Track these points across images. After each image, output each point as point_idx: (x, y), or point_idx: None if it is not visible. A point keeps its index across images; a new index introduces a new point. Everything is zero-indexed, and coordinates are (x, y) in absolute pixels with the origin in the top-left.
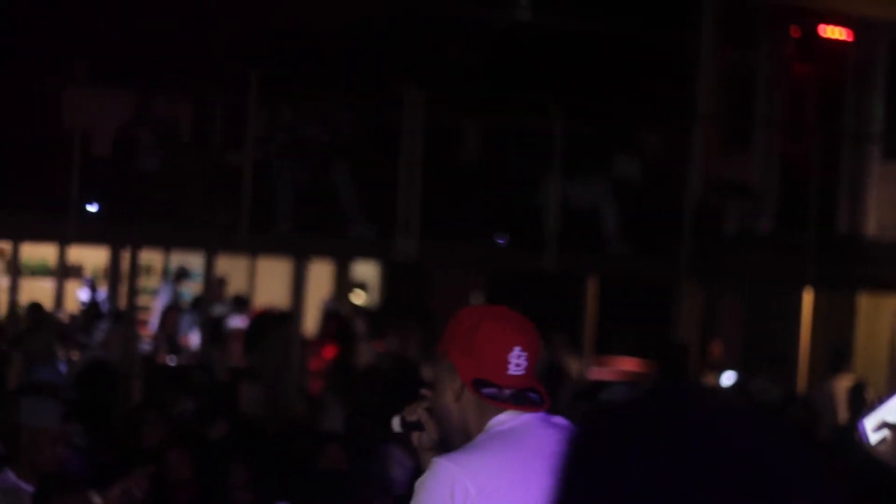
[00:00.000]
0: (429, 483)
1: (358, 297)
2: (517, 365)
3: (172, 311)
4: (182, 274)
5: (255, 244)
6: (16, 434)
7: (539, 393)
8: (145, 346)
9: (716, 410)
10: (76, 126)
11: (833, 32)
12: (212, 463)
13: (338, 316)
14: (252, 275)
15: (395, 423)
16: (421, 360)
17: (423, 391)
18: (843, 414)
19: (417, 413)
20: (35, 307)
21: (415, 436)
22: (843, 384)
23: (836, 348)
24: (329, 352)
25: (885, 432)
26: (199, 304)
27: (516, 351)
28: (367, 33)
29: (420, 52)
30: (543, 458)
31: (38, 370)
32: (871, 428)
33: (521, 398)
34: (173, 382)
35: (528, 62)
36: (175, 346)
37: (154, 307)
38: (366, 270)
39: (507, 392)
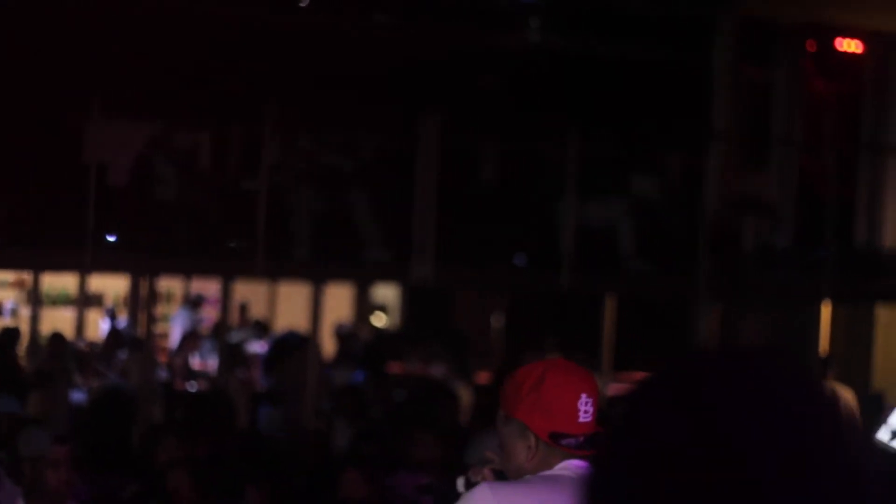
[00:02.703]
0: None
1: (379, 320)
2: (585, 412)
3: (191, 338)
4: (198, 301)
5: (272, 269)
6: (18, 466)
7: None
8: (165, 372)
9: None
10: (95, 158)
11: (849, 46)
12: (224, 483)
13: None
14: (272, 300)
15: (461, 484)
16: (449, 381)
17: (489, 453)
18: None
19: (483, 474)
20: (56, 338)
21: None
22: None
23: (819, 356)
24: None
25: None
26: (218, 330)
27: (583, 398)
28: (383, 58)
29: (436, 76)
30: None
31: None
32: (888, 439)
33: (594, 443)
34: (191, 408)
35: (544, 85)
36: (190, 372)
37: (171, 333)
38: (386, 293)
39: (582, 439)
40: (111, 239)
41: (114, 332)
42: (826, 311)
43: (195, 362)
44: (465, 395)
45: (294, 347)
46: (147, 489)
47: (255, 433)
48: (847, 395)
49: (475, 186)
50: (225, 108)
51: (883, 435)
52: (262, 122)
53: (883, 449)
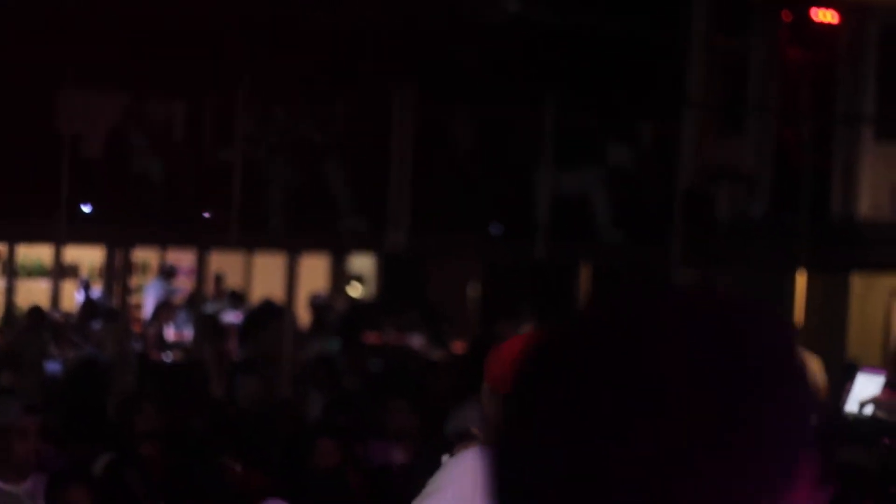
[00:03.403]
0: (454, 466)
1: (354, 290)
2: None
3: (165, 309)
4: (171, 272)
5: (248, 240)
6: None
7: None
8: (139, 343)
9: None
10: (68, 129)
11: (825, 16)
12: (199, 453)
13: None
14: (248, 271)
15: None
16: (426, 351)
17: (475, 430)
18: None
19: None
20: (35, 311)
21: None
22: None
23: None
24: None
25: (870, 406)
26: (193, 300)
27: None
28: (358, 29)
29: (411, 45)
30: None
31: None
32: (857, 409)
33: None
34: (167, 378)
35: (519, 54)
36: (164, 343)
37: (145, 304)
38: (362, 263)
39: None
40: (86, 210)
41: (88, 302)
42: (801, 280)
43: (170, 333)
44: (441, 364)
45: (269, 318)
46: (120, 459)
47: (230, 403)
48: (815, 364)
49: (450, 156)
50: (199, 80)
51: (851, 405)
52: (236, 93)
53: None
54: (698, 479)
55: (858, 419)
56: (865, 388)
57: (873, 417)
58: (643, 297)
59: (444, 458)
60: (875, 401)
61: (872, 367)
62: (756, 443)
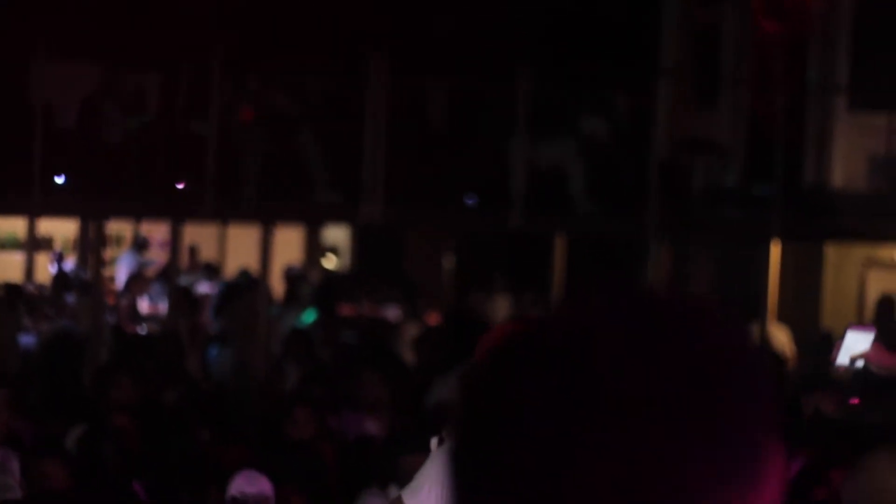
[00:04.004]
0: (441, 461)
1: (329, 262)
2: None
3: (137, 281)
4: (143, 244)
5: (222, 211)
6: None
7: None
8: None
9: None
10: (41, 100)
11: None
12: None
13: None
14: (222, 243)
15: (434, 444)
16: (401, 323)
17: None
18: None
19: None
20: (11, 288)
21: None
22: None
23: (745, 297)
24: None
25: (860, 361)
26: (167, 272)
27: None
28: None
29: (385, 16)
30: None
31: None
32: (848, 361)
33: None
34: (142, 350)
35: (493, 24)
36: (137, 315)
37: (117, 277)
38: (337, 235)
39: None
40: (59, 181)
41: (60, 275)
42: (775, 250)
43: (144, 305)
44: (416, 336)
45: (244, 290)
46: (93, 432)
47: (205, 375)
48: (783, 335)
49: (424, 127)
50: (172, 51)
51: (843, 359)
52: (210, 64)
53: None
54: (663, 472)
55: (851, 370)
56: (856, 344)
57: (865, 369)
58: (600, 303)
59: (433, 441)
60: (864, 356)
61: (862, 325)
62: (716, 436)
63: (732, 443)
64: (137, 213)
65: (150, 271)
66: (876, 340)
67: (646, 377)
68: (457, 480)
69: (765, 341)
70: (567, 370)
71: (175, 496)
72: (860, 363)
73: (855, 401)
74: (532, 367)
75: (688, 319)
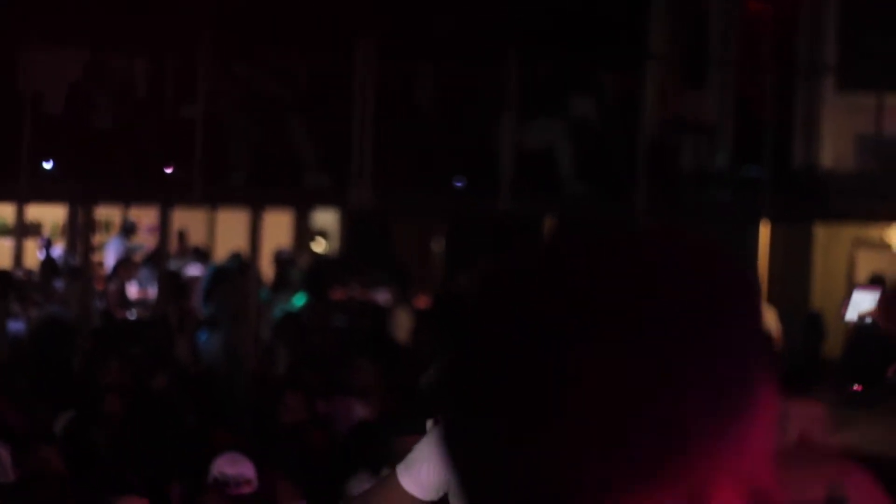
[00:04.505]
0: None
1: (318, 246)
2: None
3: (125, 266)
4: (130, 228)
5: (211, 196)
6: None
7: None
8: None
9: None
10: (30, 86)
11: None
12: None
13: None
14: (211, 227)
15: (430, 426)
16: (392, 307)
17: None
18: None
19: None
20: (2, 275)
21: None
22: None
23: None
24: None
25: (868, 318)
26: (155, 257)
27: None
28: None
29: (371, 0)
30: None
31: None
32: (856, 317)
33: None
34: (132, 336)
35: (481, 6)
36: (125, 300)
37: (105, 262)
38: (326, 219)
39: None
40: (48, 167)
41: (48, 261)
42: (764, 231)
43: (134, 290)
44: (405, 320)
45: (234, 274)
46: (82, 417)
47: (194, 360)
48: (769, 314)
49: (413, 110)
50: (160, 35)
51: (851, 315)
52: (198, 48)
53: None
54: (650, 410)
55: (859, 326)
56: (863, 302)
57: (874, 324)
58: (585, 239)
59: (429, 423)
60: (870, 314)
61: (868, 285)
62: (712, 364)
63: (727, 373)
64: (126, 198)
65: (139, 256)
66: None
67: (641, 299)
68: (452, 427)
69: None
70: (563, 295)
71: (164, 480)
72: (869, 320)
73: (858, 388)
74: (524, 293)
75: (692, 252)
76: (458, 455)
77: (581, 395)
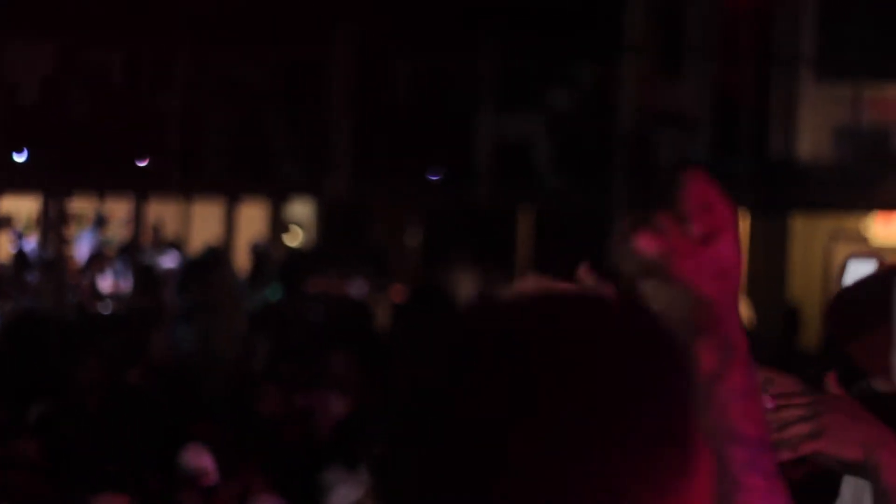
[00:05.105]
0: None
1: (294, 237)
2: None
3: (97, 259)
4: (101, 221)
5: (186, 186)
6: None
7: None
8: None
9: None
10: (3, 77)
11: None
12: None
13: None
14: (186, 220)
15: None
16: (368, 298)
17: None
18: None
19: None
20: None
21: None
22: None
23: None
24: None
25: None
26: (128, 250)
27: None
28: None
29: None
30: None
31: None
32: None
33: None
34: (106, 329)
35: None
36: (97, 294)
37: (77, 255)
38: (301, 210)
39: None
40: (20, 159)
41: (20, 254)
42: (743, 223)
43: (108, 283)
44: (382, 312)
45: (209, 266)
46: (55, 409)
47: (170, 353)
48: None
49: (389, 102)
50: (136, 27)
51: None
52: (174, 38)
53: None
54: (582, 480)
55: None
56: (858, 272)
57: None
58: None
59: None
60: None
61: (863, 255)
62: (631, 435)
63: (656, 433)
64: (100, 189)
65: (110, 249)
66: None
67: (556, 383)
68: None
69: None
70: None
71: (140, 474)
72: None
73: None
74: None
75: (589, 316)
76: None
77: (515, 479)
